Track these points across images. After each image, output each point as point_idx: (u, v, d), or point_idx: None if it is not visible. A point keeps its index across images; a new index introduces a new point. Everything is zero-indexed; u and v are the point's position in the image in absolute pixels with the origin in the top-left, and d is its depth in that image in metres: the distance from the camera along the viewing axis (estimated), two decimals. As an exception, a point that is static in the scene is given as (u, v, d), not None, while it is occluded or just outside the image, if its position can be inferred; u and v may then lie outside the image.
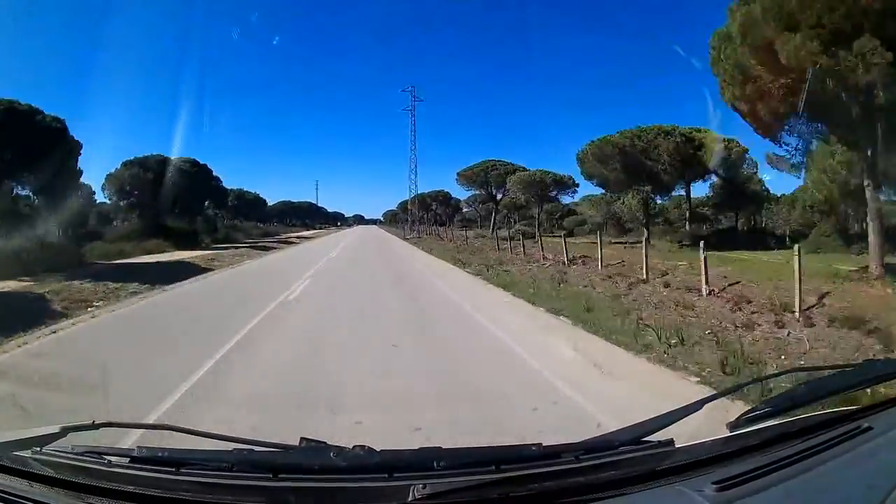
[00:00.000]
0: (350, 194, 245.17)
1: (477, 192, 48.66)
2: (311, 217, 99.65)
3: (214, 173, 34.77)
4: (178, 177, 27.03)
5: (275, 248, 28.42)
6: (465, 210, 69.86)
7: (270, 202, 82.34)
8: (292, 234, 50.24)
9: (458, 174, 46.44)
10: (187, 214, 30.46)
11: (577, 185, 38.76)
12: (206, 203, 34.44)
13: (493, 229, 42.49)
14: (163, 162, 27.60)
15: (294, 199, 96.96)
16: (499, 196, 47.86)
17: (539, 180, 38.56)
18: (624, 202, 31.60)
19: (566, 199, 51.10)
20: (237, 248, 26.35)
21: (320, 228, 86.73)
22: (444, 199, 68.34)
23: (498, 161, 45.64)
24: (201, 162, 33.01)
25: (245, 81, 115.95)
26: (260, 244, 31.50)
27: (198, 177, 31.29)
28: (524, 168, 43.01)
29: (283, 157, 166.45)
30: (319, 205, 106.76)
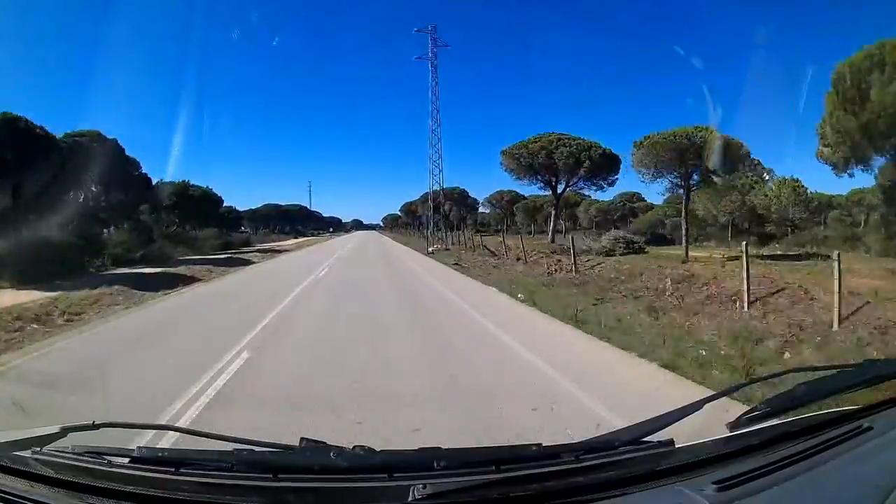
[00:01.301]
0: (348, 199, 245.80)
1: (528, 179, 32.74)
2: (304, 222, 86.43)
3: (129, 154, 22.37)
4: (48, 157, 14.91)
5: (191, 283, 13.40)
6: (480, 210, 61.30)
7: (255, 206, 71.97)
8: (268, 246, 38.41)
9: (503, 153, 31.55)
10: (76, 217, 17.93)
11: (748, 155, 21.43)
12: (126, 200, 22.18)
13: (551, 235, 31.03)
14: (9, 124, 14.80)
15: (283, 203, 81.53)
16: (560, 186, 32.13)
17: (699, 143, 18.10)
18: (767, 192, 20.41)
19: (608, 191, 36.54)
20: (134, 276, 13.85)
21: (312, 235, 75.02)
22: (461, 197, 56.32)
23: (563, 135, 30.28)
24: (106, 136, 20.44)
25: (240, 82, 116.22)
26: (181, 272, 15.83)
27: (91, 158, 17.96)
28: (598, 144, 29.17)
29: (276, 159, 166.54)
30: (313, 209, 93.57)
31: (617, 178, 30.96)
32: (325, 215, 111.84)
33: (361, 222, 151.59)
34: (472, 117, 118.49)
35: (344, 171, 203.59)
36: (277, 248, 34.46)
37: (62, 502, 0.96)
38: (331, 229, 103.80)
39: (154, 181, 29.77)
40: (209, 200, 37.93)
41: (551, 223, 33.56)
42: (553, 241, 29.50)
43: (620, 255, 17.27)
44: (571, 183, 31.89)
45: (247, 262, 21.37)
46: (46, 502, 0.96)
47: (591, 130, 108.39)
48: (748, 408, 1.23)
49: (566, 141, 29.73)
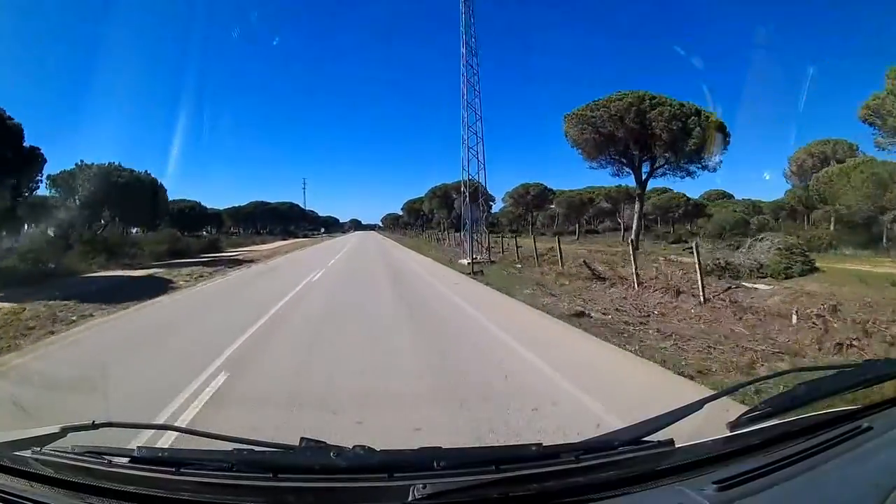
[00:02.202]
0: (346, 199, 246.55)
1: (601, 158, 23.34)
2: (297, 222, 78.62)
3: (12, 119, 15.81)
4: None
5: None
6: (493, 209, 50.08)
7: (240, 203, 65.60)
8: (234, 252, 29.38)
9: (569, 118, 22.68)
10: None
11: None
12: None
13: (635, 238, 22.26)
14: None
15: (272, 200, 72.56)
16: (644, 169, 22.83)
17: None
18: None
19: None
20: None
21: (305, 236, 66.09)
22: (475, 191, 47.40)
23: (650, 94, 21.09)
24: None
25: (239, 82, 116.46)
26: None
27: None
28: (706, 110, 20.86)
29: (275, 159, 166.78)
30: (308, 208, 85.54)
31: (721, 161, 22.46)
32: (320, 215, 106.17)
33: (360, 222, 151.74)
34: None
35: (343, 171, 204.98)
36: (241, 258, 23.88)
37: (62, 502, 0.96)
38: (322, 230, 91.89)
39: (74, 165, 22.37)
40: (144, 189, 25.28)
41: (634, 222, 24.76)
42: (637, 246, 19.91)
43: (798, 275, 11.53)
44: (660, 165, 22.62)
45: (164, 288, 12.07)
46: (46, 502, 0.96)
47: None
48: (748, 408, 1.23)
49: (661, 100, 20.80)
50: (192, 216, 43.75)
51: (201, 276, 14.91)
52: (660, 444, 1.05)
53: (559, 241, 15.45)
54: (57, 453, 1.03)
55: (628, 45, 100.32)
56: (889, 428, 1.17)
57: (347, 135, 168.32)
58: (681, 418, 1.12)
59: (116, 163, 24.99)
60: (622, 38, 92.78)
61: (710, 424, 1.20)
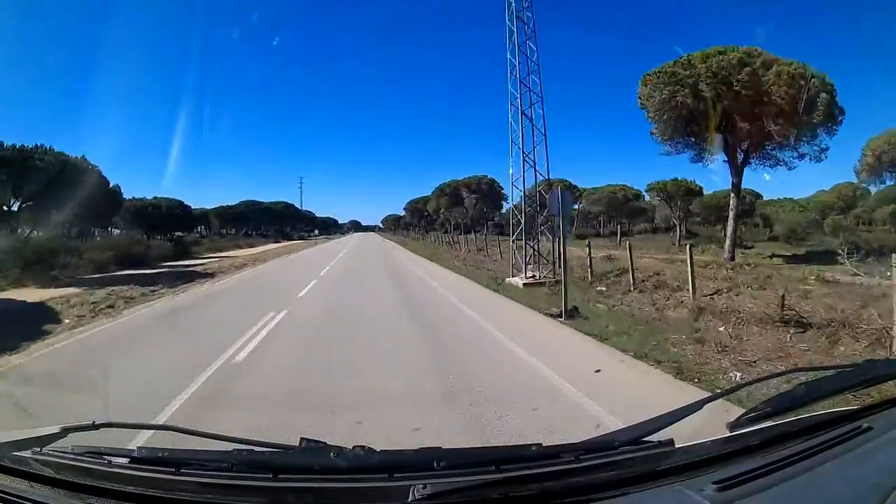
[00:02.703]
0: (346, 200, 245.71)
1: (678, 139, 17.46)
2: (293, 223, 74.17)
3: None
4: None
5: None
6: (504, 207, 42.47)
7: (232, 203, 61.17)
8: (199, 262, 23.10)
9: (647, 80, 16.83)
10: None
11: None
12: None
13: (731, 246, 17.36)
14: None
15: (266, 200, 67.04)
16: (740, 154, 17.23)
17: None
18: None
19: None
20: None
21: (301, 238, 63.27)
22: (489, 189, 43.59)
23: (756, 48, 15.34)
24: None
25: (239, 82, 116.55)
26: None
27: None
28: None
29: (274, 160, 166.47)
30: (304, 208, 79.62)
31: (828, 148, 16.74)
32: (318, 215, 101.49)
33: (360, 223, 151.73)
34: (467, 117, 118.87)
35: (342, 171, 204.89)
36: (204, 269, 18.84)
37: (62, 502, 0.96)
38: (316, 231, 78.70)
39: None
40: (80, 180, 18.44)
41: (729, 225, 18.07)
42: (733, 256, 16.20)
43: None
44: (756, 149, 16.66)
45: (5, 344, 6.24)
46: (46, 502, 0.96)
47: (590, 130, 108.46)
48: (748, 408, 1.23)
49: (769, 56, 15.15)
50: (175, 216, 38.86)
51: (109, 308, 9.72)
52: (660, 444, 1.05)
53: (690, 251, 8.69)
54: (57, 453, 1.03)
55: (628, 45, 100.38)
56: (889, 428, 1.17)
57: (347, 134, 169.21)
58: (681, 418, 1.12)
59: (45, 145, 19.02)
60: (622, 38, 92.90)
61: (710, 424, 1.20)
